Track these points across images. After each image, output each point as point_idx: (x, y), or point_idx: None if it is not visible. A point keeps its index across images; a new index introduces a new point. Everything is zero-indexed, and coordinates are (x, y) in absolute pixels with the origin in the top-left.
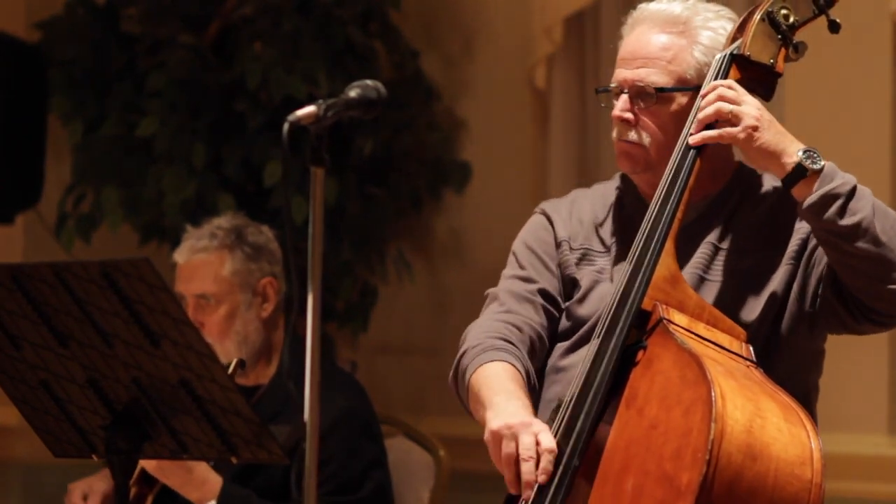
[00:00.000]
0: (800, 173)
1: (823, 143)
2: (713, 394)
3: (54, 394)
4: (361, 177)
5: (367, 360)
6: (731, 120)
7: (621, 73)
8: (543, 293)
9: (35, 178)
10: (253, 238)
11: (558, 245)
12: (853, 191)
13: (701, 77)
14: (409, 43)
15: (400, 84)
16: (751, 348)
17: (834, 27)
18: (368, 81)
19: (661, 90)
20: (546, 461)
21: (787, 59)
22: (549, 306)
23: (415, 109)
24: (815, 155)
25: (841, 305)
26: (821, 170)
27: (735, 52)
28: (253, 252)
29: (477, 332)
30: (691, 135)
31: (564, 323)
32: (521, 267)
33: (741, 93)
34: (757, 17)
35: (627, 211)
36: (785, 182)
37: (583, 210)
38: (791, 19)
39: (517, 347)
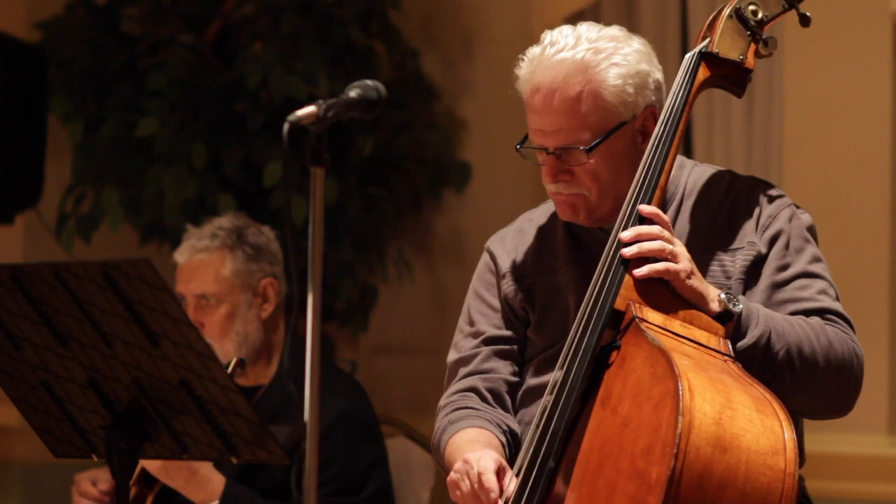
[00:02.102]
0: (727, 315)
1: (823, 143)
2: (680, 388)
3: (54, 394)
4: (361, 177)
5: (367, 360)
6: (670, 258)
7: (541, 138)
8: (492, 340)
9: (35, 178)
10: (254, 238)
11: (502, 277)
12: (767, 342)
13: (618, 115)
14: (409, 43)
15: (400, 84)
16: (728, 343)
17: (804, 21)
18: (368, 81)
19: (589, 149)
20: (487, 481)
21: (757, 54)
22: (502, 347)
23: (415, 109)
24: (732, 297)
25: None
26: (740, 313)
27: (704, 50)
28: (254, 252)
29: (440, 416)
30: (629, 260)
31: (528, 347)
32: (471, 322)
33: (675, 240)
34: (725, 13)
35: (574, 228)
36: (717, 319)
37: (528, 235)
38: (759, 15)
39: (474, 409)
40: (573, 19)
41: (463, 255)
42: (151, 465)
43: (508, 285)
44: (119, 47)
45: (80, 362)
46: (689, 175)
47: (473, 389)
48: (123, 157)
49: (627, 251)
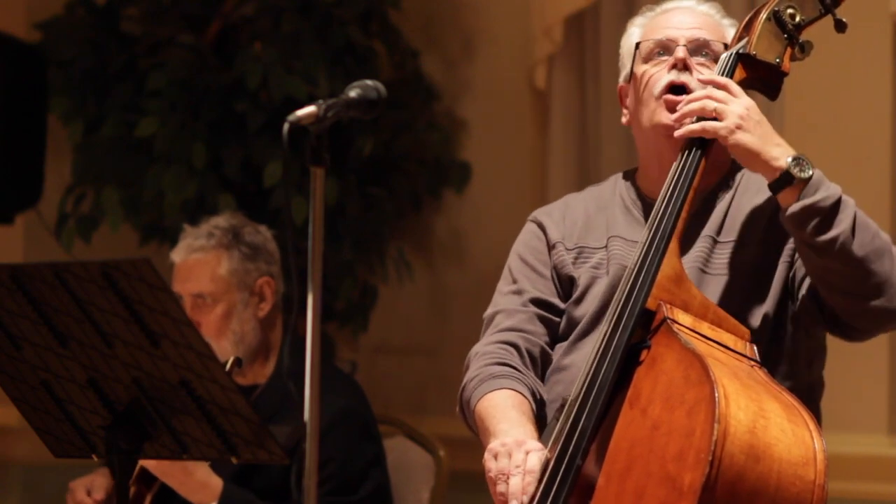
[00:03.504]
0: (786, 180)
1: (823, 143)
2: (716, 394)
3: (54, 394)
4: (361, 177)
5: (367, 360)
6: (716, 117)
7: (674, 32)
8: (537, 302)
9: (35, 178)
10: (250, 238)
11: (552, 247)
12: (835, 205)
13: None
14: (409, 43)
15: (400, 84)
16: (755, 348)
17: (840, 27)
18: (368, 81)
19: (726, 46)
20: (526, 482)
21: (793, 58)
22: (544, 313)
23: (415, 109)
24: (805, 163)
25: (819, 312)
26: (808, 179)
27: (741, 51)
28: (250, 252)
29: (476, 361)
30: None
31: (563, 324)
32: (514, 280)
33: (735, 91)
34: (763, 16)
35: (625, 206)
36: (771, 187)
37: (576, 212)
38: (797, 18)
39: (516, 369)
40: (573, 19)
41: (463, 255)
42: (148, 463)
43: (559, 255)
44: (119, 47)
45: (80, 362)
46: (745, 172)
47: (515, 346)
48: (123, 157)
49: (674, 116)
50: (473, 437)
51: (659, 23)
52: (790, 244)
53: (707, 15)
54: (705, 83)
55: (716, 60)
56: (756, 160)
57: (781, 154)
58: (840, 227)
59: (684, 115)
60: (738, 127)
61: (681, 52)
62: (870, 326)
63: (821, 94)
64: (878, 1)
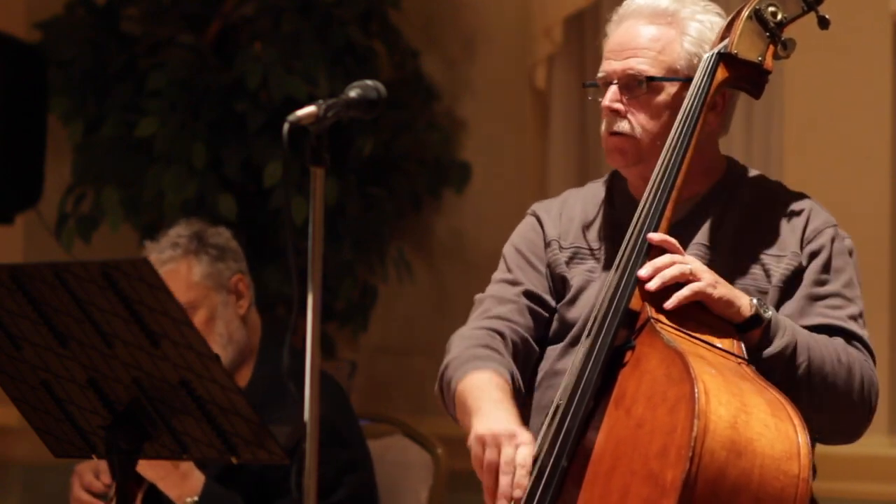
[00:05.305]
0: (756, 322)
1: (823, 142)
2: (696, 390)
3: (54, 394)
4: (361, 177)
5: (367, 360)
6: (691, 278)
7: (609, 65)
8: (529, 294)
9: (35, 178)
10: (214, 239)
11: (547, 245)
12: (793, 351)
13: (691, 68)
14: (409, 43)
15: (400, 84)
16: (742, 345)
17: (823, 23)
18: (368, 81)
19: (651, 79)
20: (519, 476)
21: (775, 56)
22: (535, 307)
23: (415, 109)
24: (762, 303)
25: None
26: (770, 318)
27: (723, 50)
28: (217, 253)
29: (460, 343)
30: (648, 280)
31: (556, 325)
32: (508, 270)
33: (683, 252)
34: (745, 14)
35: (617, 210)
36: (740, 327)
37: (574, 209)
38: (779, 16)
39: (500, 354)
40: (573, 19)
41: (463, 255)
42: None
43: (553, 254)
44: (119, 47)
45: (80, 362)
46: (741, 178)
47: (500, 333)
48: (123, 157)
49: (650, 285)
50: None
51: (608, 43)
52: (783, 272)
53: (660, 21)
54: (655, 244)
55: (656, 91)
56: (730, 309)
57: (745, 299)
58: (798, 372)
59: (664, 284)
60: (717, 282)
61: (607, 99)
62: (824, 441)
63: (821, 94)
64: (878, 1)
